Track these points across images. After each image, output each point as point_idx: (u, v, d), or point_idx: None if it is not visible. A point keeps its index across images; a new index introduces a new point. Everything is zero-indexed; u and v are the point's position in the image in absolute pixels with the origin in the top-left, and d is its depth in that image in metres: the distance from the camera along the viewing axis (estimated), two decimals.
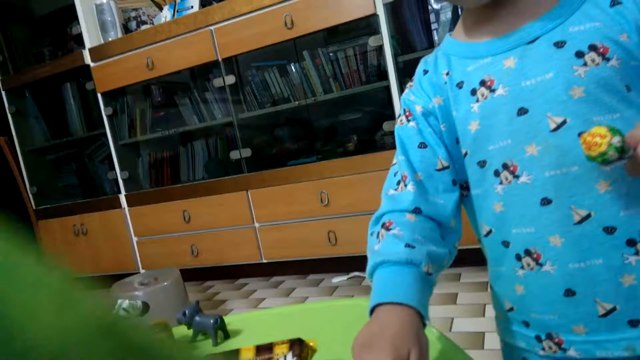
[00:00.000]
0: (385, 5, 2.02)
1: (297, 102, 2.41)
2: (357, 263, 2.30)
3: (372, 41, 2.09)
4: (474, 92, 0.57)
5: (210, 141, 2.78)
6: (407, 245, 0.55)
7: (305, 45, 2.33)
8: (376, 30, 2.07)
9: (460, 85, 0.58)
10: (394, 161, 0.63)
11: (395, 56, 2.06)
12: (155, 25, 2.59)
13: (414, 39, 2.16)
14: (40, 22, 3.07)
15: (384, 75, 2.10)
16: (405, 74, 2.09)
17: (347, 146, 2.35)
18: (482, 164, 0.57)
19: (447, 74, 0.59)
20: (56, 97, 2.99)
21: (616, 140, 0.43)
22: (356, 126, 2.41)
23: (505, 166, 0.55)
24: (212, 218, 2.58)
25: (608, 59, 0.50)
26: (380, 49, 2.11)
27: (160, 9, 2.63)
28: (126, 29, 2.71)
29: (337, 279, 2.31)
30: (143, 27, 2.69)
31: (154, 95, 2.82)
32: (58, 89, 2.97)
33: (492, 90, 0.55)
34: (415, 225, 0.57)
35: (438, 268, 0.57)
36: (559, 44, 0.52)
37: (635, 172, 0.46)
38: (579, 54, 0.51)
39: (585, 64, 0.51)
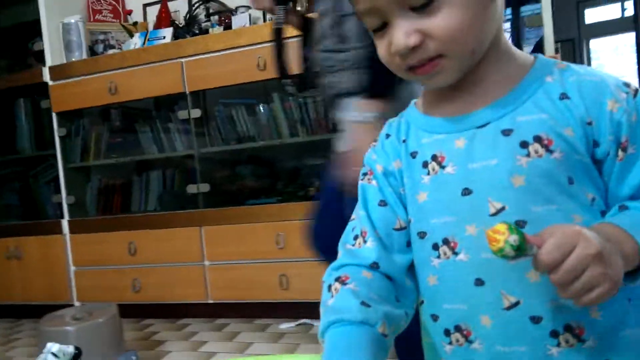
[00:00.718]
0: None
1: (262, 142, 2.41)
2: (307, 309, 2.25)
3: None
4: (425, 164, 0.58)
5: (167, 173, 2.71)
6: (363, 303, 0.54)
7: (276, 88, 2.36)
8: None
9: (414, 155, 0.59)
10: (353, 216, 0.63)
11: None
12: (124, 51, 2.55)
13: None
14: (0, 35, 2.96)
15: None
16: None
17: (309, 190, 2.36)
18: (422, 234, 0.58)
19: (404, 141, 0.61)
20: (7, 112, 2.85)
21: (512, 238, 0.45)
22: (319, 172, 2.43)
23: (445, 241, 0.56)
24: (160, 252, 2.47)
25: (551, 151, 0.52)
26: None
27: (131, 35, 2.61)
28: (92, 52, 2.65)
29: (285, 325, 2.25)
30: (110, 52, 2.65)
31: (113, 120, 2.74)
32: (11, 104, 2.83)
33: (442, 167, 0.56)
34: (371, 283, 0.56)
35: (394, 330, 0.55)
36: (506, 132, 0.54)
37: (538, 269, 0.46)
38: (524, 144, 0.52)
39: (528, 155, 0.52)
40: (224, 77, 2.31)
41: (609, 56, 6.30)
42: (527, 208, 0.52)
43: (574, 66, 0.56)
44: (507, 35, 0.60)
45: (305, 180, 2.45)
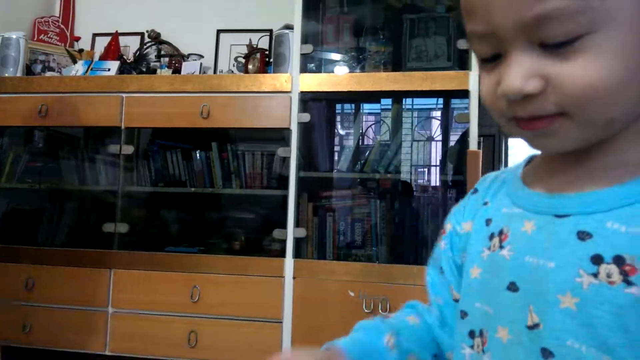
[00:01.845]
0: (299, 123, 2.15)
1: (192, 189, 2.35)
2: None
3: (280, 151, 2.18)
4: (491, 236, 0.48)
5: (84, 206, 2.55)
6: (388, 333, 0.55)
7: (215, 137, 2.35)
8: (286, 143, 2.17)
9: (488, 222, 0.50)
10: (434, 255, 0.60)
11: (298, 170, 2.15)
12: (63, 75, 2.46)
13: (317, 160, 2.30)
14: None
15: (285, 185, 2.16)
16: (304, 188, 2.17)
17: (233, 244, 2.30)
18: (463, 314, 0.50)
19: (486, 203, 0.52)
20: None
21: None
22: (247, 226, 2.39)
23: (481, 333, 0.47)
24: (61, 292, 2.26)
25: (630, 283, 0.37)
26: (286, 160, 2.19)
27: (74, 61, 2.53)
28: (28, 70, 2.53)
29: None
30: (48, 74, 2.54)
31: (36, 142, 2.58)
32: None
33: (502, 247, 0.46)
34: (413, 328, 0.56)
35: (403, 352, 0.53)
36: (583, 235, 0.40)
37: None
38: (596, 259, 0.39)
39: (595, 275, 0.38)
40: (165, 118, 2.28)
41: (524, 151, 6.89)
42: (563, 339, 0.40)
43: None
44: None
45: (231, 233, 2.39)
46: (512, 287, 0.44)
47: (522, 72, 0.38)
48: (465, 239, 0.53)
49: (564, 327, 0.40)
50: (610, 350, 0.37)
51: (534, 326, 0.41)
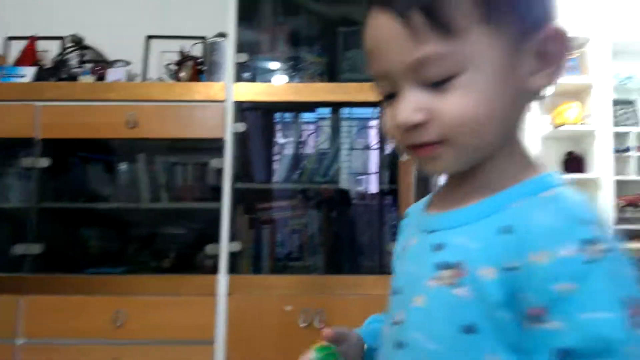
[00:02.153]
0: (234, 133, 2.08)
1: (116, 205, 2.19)
2: None
3: (214, 162, 2.08)
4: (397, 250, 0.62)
5: None
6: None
7: (143, 148, 2.21)
8: (220, 154, 2.08)
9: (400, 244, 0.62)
10: None
11: (233, 182, 2.07)
12: None
13: (253, 171, 2.23)
14: None
15: (219, 197, 2.07)
16: (239, 201, 2.09)
17: (162, 262, 2.15)
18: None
19: (406, 227, 0.63)
20: None
21: (312, 356, 0.52)
22: (178, 243, 2.25)
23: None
24: None
25: (455, 285, 0.45)
26: (220, 172, 2.10)
27: None
28: None
29: None
30: None
31: None
32: None
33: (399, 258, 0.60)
34: None
35: None
36: (438, 247, 0.49)
37: None
38: (441, 266, 0.47)
39: (438, 279, 0.47)
40: (86, 129, 2.11)
41: None
42: (412, 332, 0.49)
43: (562, 200, 0.44)
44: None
45: (160, 251, 2.24)
46: (398, 290, 0.55)
47: (410, 106, 0.46)
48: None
49: (414, 322, 0.49)
50: (442, 341, 0.45)
51: (399, 322, 0.52)
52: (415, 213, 0.60)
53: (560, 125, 3.49)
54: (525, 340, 0.41)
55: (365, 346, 0.62)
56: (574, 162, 3.59)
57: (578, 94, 3.65)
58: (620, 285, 0.39)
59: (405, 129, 0.47)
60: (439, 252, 0.48)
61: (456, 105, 0.45)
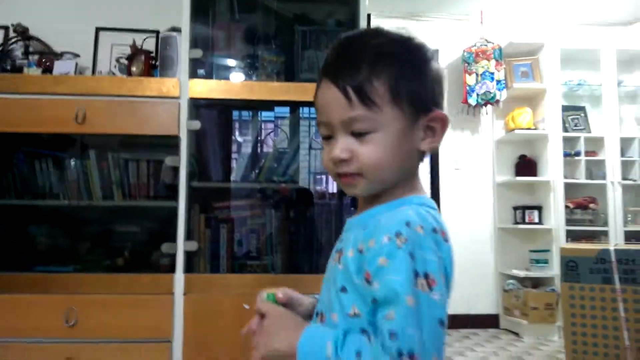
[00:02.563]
0: (189, 131, 2.05)
1: (66, 202, 2.12)
2: None
3: (169, 160, 2.05)
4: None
5: None
6: None
7: (94, 144, 2.15)
8: (176, 151, 2.05)
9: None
10: None
11: (189, 180, 2.05)
12: None
13: (210, 169, 2.21)
14: None
15: (174, 196, 2.04)
16: (196, 200, 2.07)
17: (116, 261, 2.12)
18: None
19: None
20: None
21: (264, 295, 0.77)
22: (132, 240, 2.22)
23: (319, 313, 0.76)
24: None
25: (339, 262, 0.70)
26: (175, 169, 2.07)
27: None
28: None
29: None
30: None
31: None
32: None
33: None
34: None
35: None
36: (342, 238, 0.74)
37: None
38: (339, 251, 0.71)
39: (334, 259, 0.72)
40: (33, 123, 2.03)
41: None
42: (322, 301, 0.73)
43: (401, 211, 0.66)
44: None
45: (114, 249, 2.20)
46: (327, 274, 0.75)
47: (341, 147, 0.68)
48: None
49: (323, 292, 0.73)
50: (332, 297, 0.68)
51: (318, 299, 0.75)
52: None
53: (513, 130, 3.62)
54: (367, 295, 0.63)
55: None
56: (526, 165, 3.73)
57: (531, 100, 3.79)
58: (414, 262, 0.60)
59: (335, 162, 0.69)
60: (339, 243, 0.74)
61: (369, 152, 0.67)
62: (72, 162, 2.16)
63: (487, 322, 3.65)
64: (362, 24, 2.09)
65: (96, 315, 1.96)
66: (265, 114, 2.28)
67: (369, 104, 0.66)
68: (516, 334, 3.42)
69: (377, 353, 0.58)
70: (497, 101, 3.65)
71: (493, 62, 3.66)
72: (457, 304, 3.62)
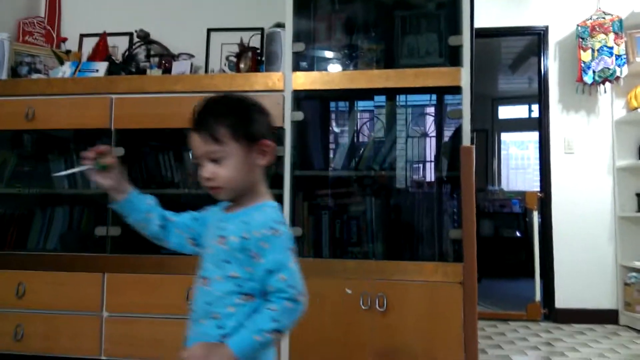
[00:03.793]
0: (292, 122, 2.13)
1: (186, 190, 2.33)
2: None
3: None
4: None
5: (75, 210, 2.51)
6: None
7: None
8: (280, 142, 2.15)
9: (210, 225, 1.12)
10: None
11: (292, 169, 2.14)
12: (50, 77, 2.42)
13: (312, 158, 2.29)
14: None
15: (280, 184, 2.15)
16: (299, 187, 2.16)
17: None
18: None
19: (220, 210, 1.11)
20: None
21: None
22: None
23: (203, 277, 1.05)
24: (53, 298, 2.23)
25: (225, 244, 1.00)
26: (280, 159, 2.18)
27: (62, 63, 2.48)
28: (14, 73, 2.49)
29: None
30: (35, 76, 2.50)
31: (24, 146, 2.54)
32: None
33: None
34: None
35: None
36: (222, 227, 1.02)
37: None
38: (221, 236, 1.01)
39: (218, 242, 1.01)
40: (155, 119, 2.25)
41: (515, 149, 7.02)
42: (206, 267, 1.03)
43: (267, 210, 1.01)
44: None
45: None
46: (204, 245, 1.08)
47: (205, 170, 1.00)
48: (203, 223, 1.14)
49: (207, 258, 1.03)
50: (216, 266, 0.99)
51: (201, 262, 1.05)
52: (214, 210, 1.11)
53: (636, 109, 3.27)
54: (254, 266, 0.96)
55: (131, 192, 1.18)
56: None
57: None
58: (285, 242, 0.97)
59: (204, 180, 1.00)
60: (221, 230, 1.01)
61: (224, 172, 0.99)
62: (190, 155, 2.35)
63: (605, 317, 3.37)
64: (465, 7, 2.02)
65: None
66: (364, 104, 2.30)
67: (218, 141, 0.98)
68: (638, 331, 3.12)
69: (280, 302, 0.94)
70: (617, 78, 3.30)
71: (612, 35, 3.32)
72: (573, 298, 3.38)
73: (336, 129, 2.32)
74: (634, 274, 3.29)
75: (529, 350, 2.71)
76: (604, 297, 3.41)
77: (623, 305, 3.36)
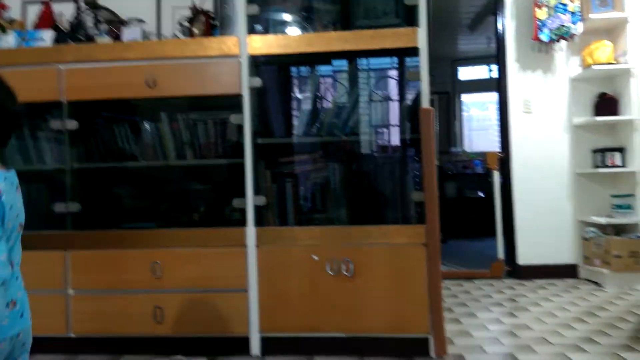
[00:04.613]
0: (251, 88, 2.09)
1: (145, 162, 2.27)
2: (182, 345, 2.12)
3: (233, 119, 2.12)
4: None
5: (32, 188, 2.42)
6: None
7: (165, 107, 2.26)
8: (239, 110, 2.11)
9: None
10: None
11: (253, 137, 2.11)
12: None
13: (272, 125, 2.26)
14: None
15: (241, 153, 2.12)
16: (261, 155, 2.14)
17: (193, 216, 2.26)
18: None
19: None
20: None
21: None
22: (205, 197, 2.35)
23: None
24: None
25: None
26: (240, 127, 2.14)
27: (4, 31, 2.34)
28: None
29: None
30: None
31: None
32: None
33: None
34: None
35: None
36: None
37: None
38: None
39: None
40: (108, 90, 2.16)
41: (476, 110, 7.13)
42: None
43: None
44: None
45: (189, 206, 2.34)
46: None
47: None
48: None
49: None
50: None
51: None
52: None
53: (591, 66, 3.34)
54: None
55: None
56: (607, 104, 3.42)
57: (611, 32, 3.44)
58: None
59: None
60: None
61: None
62: (147, 125, 2.29)
63: (565, 272, 3.53)
64: None
65: (179, 267, 2.12)
66: (323, 69, 2.27)
67: None
68: (597, 283, 3.29)
69: None
70: (572, 35, 3.35)
71: None
72: (533, 254, 3.52)
73: (297, 95, 2.29)
74: (591, 228, 3.44)
75: (494, 307, 2.82)
76: (563, 253, 3.56)
77: (582, 259, 3.52)
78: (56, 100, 2.19)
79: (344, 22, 2.16)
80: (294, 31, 2.24)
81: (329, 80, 2.28)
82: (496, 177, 3.70)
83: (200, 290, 2.10)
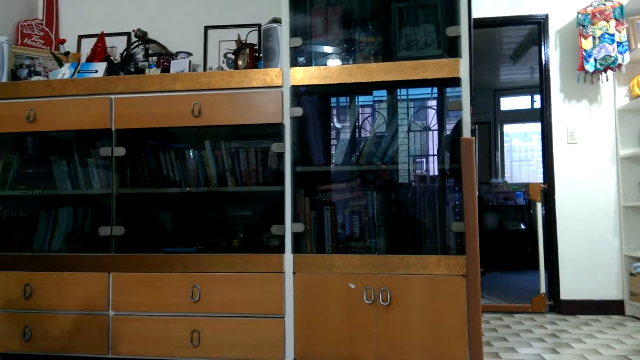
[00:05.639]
0: (292, 118, 2.13)
1: (187, 189, 2.34)
2: None
3: (274, 147, 2.16)
4: None
5: (79, 211, 2.53)
6: None
7: (208, 135, 2.33)
8: (280, 138, 2.16)
9: None
10: None
11: (293, 165, 2.14)
12: (50, 79, 2.43)
13: (312, 154, 2.29)
14: None
15: (281, 181, 2.16)
16: (300, 183, 2.16)
17: (232, 242, 2.29)
18: None
19: None
20: None
21: None
22: (245, 224, 2.38)
23: None
24: (59, 297, 2.25)
25: None
26: (281, 155, 2.18)
27: (61, 65, 2.49)
28: (14, 76, 2.50)
29: None
30: (34, 78, 2.51)
31: (27, 149, 2.55)
32: None
33: None
34: None
35: None
36: None
37: None
38: None
39: None
40: (155, 119, 2.25)
41: (518, 140, 6.99)
42: None
43: None
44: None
45: (228, 232, 2.38)
46: None
47: None
48: None
49: None
50: None
51: None
52: None
53: (638, 96, 3.25)
54: None
55: None
56: None
57: None
58: None
59: None
60: None
61: None
62: (191, 153, 2.36)
63: (610, 308, 3.36)
64: None
65: (217, 291, 2.14)
66: (364, 98, 2.30)
67: None
68: None
69: None
70: (619, 65, 3.28)
71: (613, 22, 3.29)
72: (577, 288, 3.37)
73: (337, 124, 2.32)
74: (639, 263, 3.27)
75: (535, 342, 2.70)
76: (609, 288, 3.39)
77: (629, 295, 3.34)
78: (106, 128, 2.30)
79: (386, 53, 2.19)
80: (335, 62, 2.28)
81: (369, 109, 2.30)
82: (539, 209, 3.60)
83: (236, 315, 2.11)
